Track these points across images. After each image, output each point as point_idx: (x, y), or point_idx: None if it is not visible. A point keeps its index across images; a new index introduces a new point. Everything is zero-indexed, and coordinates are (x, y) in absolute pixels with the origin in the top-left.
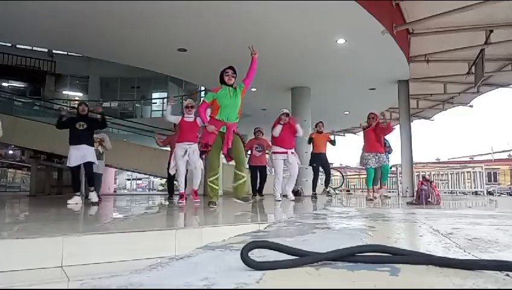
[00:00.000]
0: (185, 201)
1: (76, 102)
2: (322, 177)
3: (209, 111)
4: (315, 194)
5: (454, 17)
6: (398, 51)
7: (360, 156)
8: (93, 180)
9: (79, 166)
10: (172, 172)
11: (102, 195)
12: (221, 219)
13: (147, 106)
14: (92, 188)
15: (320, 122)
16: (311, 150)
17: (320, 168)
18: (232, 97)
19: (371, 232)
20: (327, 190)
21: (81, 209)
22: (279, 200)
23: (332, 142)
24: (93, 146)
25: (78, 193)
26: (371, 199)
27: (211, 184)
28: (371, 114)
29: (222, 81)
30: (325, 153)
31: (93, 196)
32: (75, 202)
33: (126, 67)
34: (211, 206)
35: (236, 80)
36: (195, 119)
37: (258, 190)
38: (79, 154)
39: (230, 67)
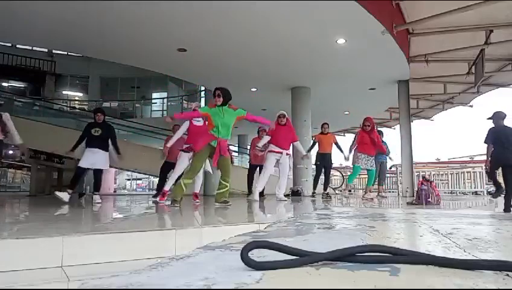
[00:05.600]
0: (165, 200)
1: (77, 102)
2: (321, 177)
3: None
4: (314, 193)
5: (454, 17)
6: (398, 51)
7: (352, 155)
8: (100, 185)
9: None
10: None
11: (102, 195)
12: (221, 219)
13: (147, 106)
14: (97, 193)
15: (326, 123)
16: (317, 150)
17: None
18: (224, 117)
19: (371, 232)
20: (326, 192)
21: (81, 209)
22: (256, 200)
23: (338, 147)
24: (107, 151)
25: (69, 191)
26: (349, 192)
27: (182, 184)
28: (366, 121)
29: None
30: (330, 154)
31: (97, 198)
32: (62, 196)
33: (126, 67)
34: (175, 205)
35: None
36: (204, 123)
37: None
38: (91, 158)
39: (217, 89)
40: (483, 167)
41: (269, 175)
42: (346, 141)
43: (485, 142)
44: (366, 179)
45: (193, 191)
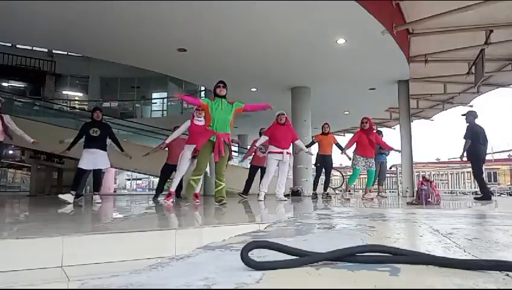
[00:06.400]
0: (171, 200)
1: (77, 102)
2: (322, 177)
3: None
4: (315, 194)
5: (454, 17)
6: (398, 51)
7: (352, 157)
8: (100, 185)
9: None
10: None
11: (102, 195)
12: (221, 219)
13: (147, 106)
14: (97, 193)
15: (326, 123)
16: (317, 151)
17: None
18: (222, 110)
19: (371, 232)
20: (326, 192)
21: (81, 209)
22: (261, 200)
23: (339, 146)
24: (106, 150)
25: (73, 192)
26: (347, 199)
27: (191, 182)
28: (364, 118)
29: (215, 94)
30: (331, 155)
31: (97, 198)
32: (66, 198)
33: (126, 67)
34: (186, 202)
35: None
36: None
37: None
38: (91, 158)
39: (221, 81)
40: (461, 159)
41: (271, 177)
42: (346, 141)
43: (465, 137)
44: (366, 180)
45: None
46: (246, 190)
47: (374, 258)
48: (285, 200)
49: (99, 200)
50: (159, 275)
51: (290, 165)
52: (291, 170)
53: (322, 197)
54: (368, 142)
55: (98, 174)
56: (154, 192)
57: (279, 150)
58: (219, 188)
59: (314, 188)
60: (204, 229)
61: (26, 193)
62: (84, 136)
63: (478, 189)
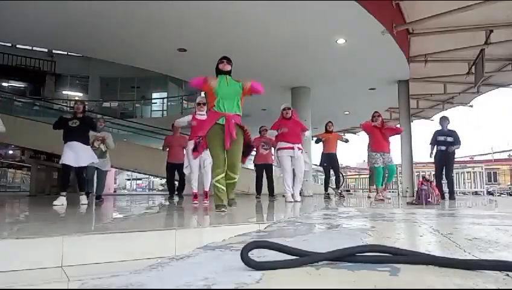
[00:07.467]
0: (198, 201)
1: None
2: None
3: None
4: (328, 194)
5: (454, 17)
6: (398, 51)
7: (367, 155)
8: (84, 184)
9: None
10: (187, 172)
11: (102, 195)
12: (221, 219)
13: (147, 106)
14: (83, 193)
15: (330, 122)
16: (322, 150)
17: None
18: (228, 86)
19: (371, 232)
20: (339, 191)
21: (81, 210)
22: (291, 201)
23: (346, 141)
24: (88, 144)
25: (64, 193)
26: (381, 199)
27: (216, 184)
28: (375, 113)
29: (218, 72)
30: (335, 153)
31: (83, 199)
32: (60, 203)
33: (126, 67)
34: (222, 209)
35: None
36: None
37: (268, 191)
38: (72, 153)
39: (225, 57)
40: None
41: (290, 174)
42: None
43: (459, 142)
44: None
45: (203, 189)
46: (259, 191)
47: (374, 258)
48: (299, 201)
49: (85, 201)
50: (159, 275)
51: (306, 161)
52: (307, 166)
53: (335, 196)
54: (382, 137)
55: (80, 172)
56: (153, 192)
57: (290, 145)
58: (230, 181)
59: (326, 189)
60: (205, 229)
61: (26, 193)
62: (63, 125)
63: (478, 189)
